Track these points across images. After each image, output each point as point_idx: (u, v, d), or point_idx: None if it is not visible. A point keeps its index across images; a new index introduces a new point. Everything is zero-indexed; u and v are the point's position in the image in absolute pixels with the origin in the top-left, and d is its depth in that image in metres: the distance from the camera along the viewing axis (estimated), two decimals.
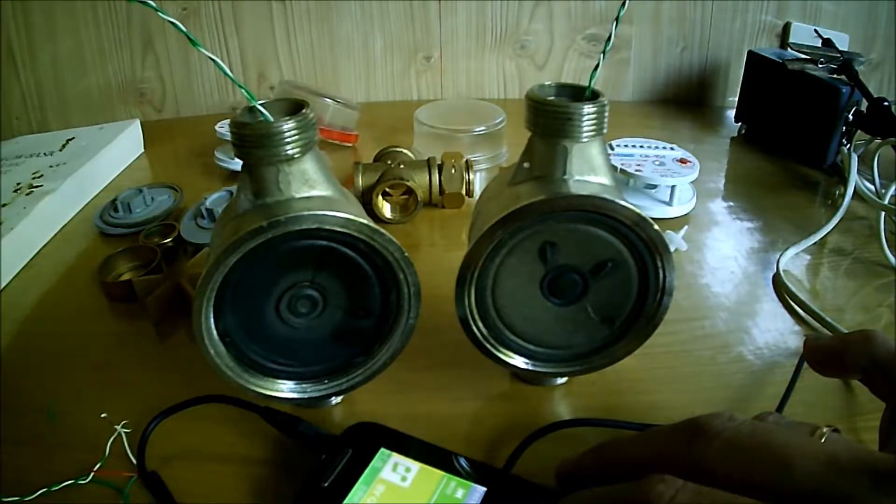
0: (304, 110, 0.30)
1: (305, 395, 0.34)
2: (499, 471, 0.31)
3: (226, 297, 0.30)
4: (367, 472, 0.30)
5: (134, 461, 0.33)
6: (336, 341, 0.34)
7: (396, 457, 0.31)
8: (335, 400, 0.37)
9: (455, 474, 0.30)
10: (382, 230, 0.31)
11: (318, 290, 0.32)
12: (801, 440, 0.23)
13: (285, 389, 0.34)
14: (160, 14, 0.26)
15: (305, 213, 0.29)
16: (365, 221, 0.30)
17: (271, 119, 0.28)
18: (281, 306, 0.32)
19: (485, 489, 0.29)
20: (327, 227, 0.29)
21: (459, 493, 0.29)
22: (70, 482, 0.32)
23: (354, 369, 0.34)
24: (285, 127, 0.28)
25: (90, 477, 0.32)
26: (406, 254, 0.32)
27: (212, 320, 0.31)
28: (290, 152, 0.29)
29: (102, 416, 0.36)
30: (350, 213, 0.30)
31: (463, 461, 0.31)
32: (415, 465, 0.30)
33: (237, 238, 0.28)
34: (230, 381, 0.32)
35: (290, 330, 0.33)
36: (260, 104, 0.29)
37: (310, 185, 0.30)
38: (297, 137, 0.29)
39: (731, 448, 0.23)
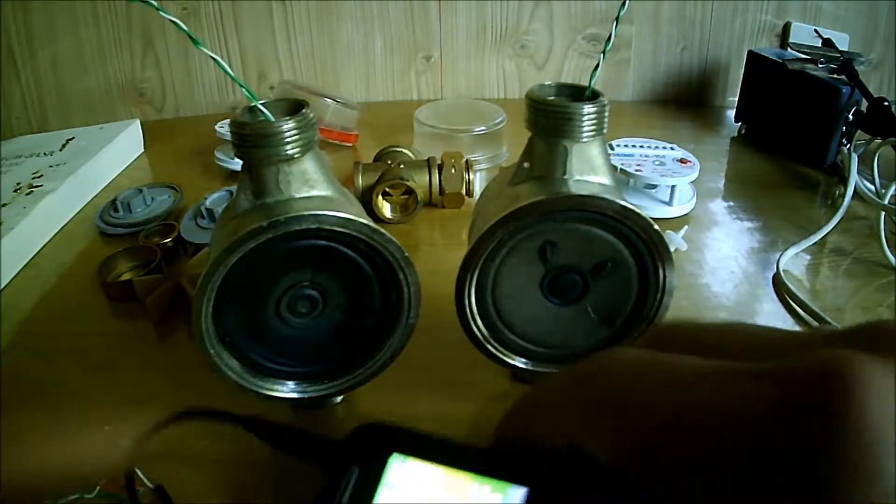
0: (304, 110, 0.30)
1: (305, 395, 0.34)
2: (541, 463, 0.26)
3: (226, 297, 0.30)
4: (380, 489, 0.26)
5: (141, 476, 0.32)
6: (336, 341, 0.34)
7: (413, 462, 0.27)
8: (336, 399, 0.37)
9: (487, 475, 0.25)
10: (382, 230, 0.31)
11: (318, 290, 0.32)
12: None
13: (285, 389, 0.34)
14: (161, 13, 0.26)
15: (305, 213, 0.29)
16: (365, 221, 0.30)
17: (272, 119, 0.28)
18: (281, 306, 0.32)
19: (526, 489, 0.24)
20: (327, 227, 0.29)
21: (496, 499, 0.25)
22: (76, 496, 0.31)
23: (354, 369, 0.34)
24: (285, 127, 0.28)
25: (95, 491, 0.32)
26: (406, 254, 0.32)
27: (212, 320, 0.31)
28: (290, 152, 0.29)
29: (105, 428, 0.35)
30: (350, 213, 0.30)
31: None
32: (437, 471, 0.27)
33: (237, 238, 0.28)
34: (230, 380, 0.32)
35: (290, 330, 0.33)
36: (260, 104, 0.29)
37: (310, 185, 0.30)
38: (297, 137, 0.29)
39: None
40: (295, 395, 0.34)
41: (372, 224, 0.30)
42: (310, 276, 0.32)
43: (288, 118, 0.29)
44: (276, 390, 0.33)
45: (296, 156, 0.29)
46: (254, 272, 0.30)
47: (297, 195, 0.30)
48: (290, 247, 0.30)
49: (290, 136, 0.28)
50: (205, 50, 0.26)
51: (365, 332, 0.34)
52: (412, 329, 0.34)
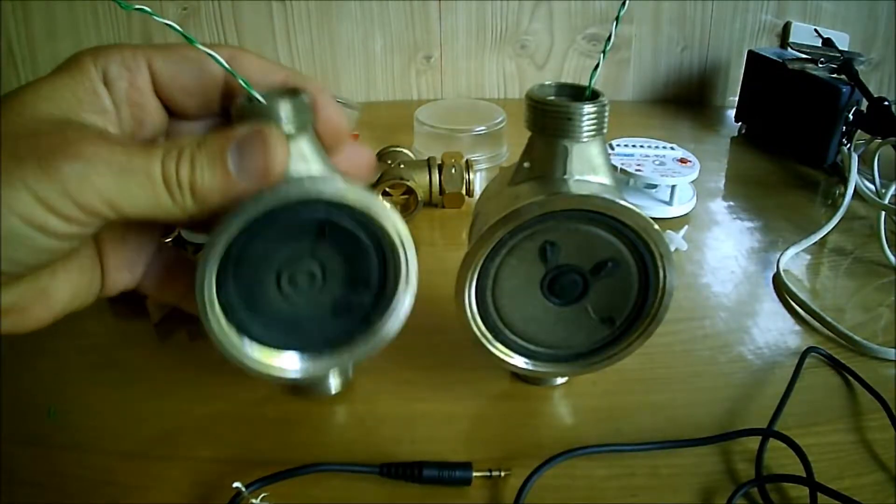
0: (299, 94, 0.30)
1: (308, 374, 0.34)
2: None
3: (227, 271, 0.30)
4: None
5: None
6: (337, 315, 0.33)
7: None
8: (334, 388, 0.37)
9: None
10: (380, 199, 0.30)
11: (319, 263, 0.32)
12: None
13: (287, 368, 0.33)
14: (155, 17, 0.26)
15: (306, 181, 0.29)
16: (362, 190, 0.30)
17: (263, 102, 0.29)
18: (282, 280, 0.32)
19: None
20: (326, 197, 0.29)
21: None
22: None
23: (356, 343, 0.34)
24: (279, 105, 0.28)
25: None
26: (404, 224, 0.31)
27: (214, 292, 0.30)
28: (285, 130, 0.29)
29: None
30: (348, 183, 0.30)
31: None
32: None
33: (239, 209, 0.28)
34: (232, 357, 0.32)
35: (291, 305, 0.32)
36: (256, 93, 0.29)
37: (307, 164, 0.30)
38: (292, 116, 0.29)
39: None
40: (298, 375, 0.33)
41: (369, 193, 0.30)
42: (310, 250, 0.32)
43: (282, 97, 0.29)
44: (279, 370, 0.33)
45: (291, 134, 0.29)
46: (255, 245, 0.30)
47: (295, 171, 0.30)
48: (290, 218, 0.30)
49: (285, 115, 0.28)
50: (200, 47, 0.27)
51: (365, 306, 0.34)
52: (411, 304, 0.33)
